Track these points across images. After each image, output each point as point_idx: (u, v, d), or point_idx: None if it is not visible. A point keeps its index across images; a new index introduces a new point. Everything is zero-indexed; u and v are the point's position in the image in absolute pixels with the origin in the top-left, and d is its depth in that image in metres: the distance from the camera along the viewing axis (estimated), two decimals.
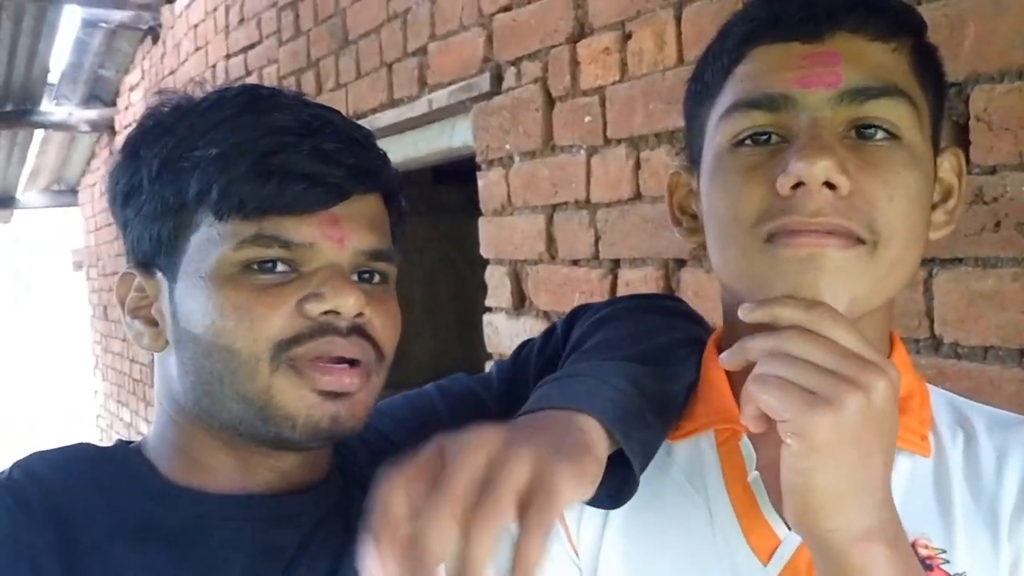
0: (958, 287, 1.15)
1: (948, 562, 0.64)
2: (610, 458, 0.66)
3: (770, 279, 0.63)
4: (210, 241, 0.70)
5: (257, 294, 0.69)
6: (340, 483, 0.81)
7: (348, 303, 0.69)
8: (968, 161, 1.14)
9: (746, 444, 0.69)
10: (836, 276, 0.61)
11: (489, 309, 2.14)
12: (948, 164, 0.71)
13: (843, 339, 0.57)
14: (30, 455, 0.74)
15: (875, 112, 0.63)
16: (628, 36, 1.69)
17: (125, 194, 0.75)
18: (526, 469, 0.53)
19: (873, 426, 0.57)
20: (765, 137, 0.65)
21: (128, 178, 0.74)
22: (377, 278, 0.75)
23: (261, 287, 0.69)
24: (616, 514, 0.70)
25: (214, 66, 3.91)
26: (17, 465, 0.73)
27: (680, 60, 1.58)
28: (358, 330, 0.71)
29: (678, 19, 1.59)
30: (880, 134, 0.63)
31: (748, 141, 0.65)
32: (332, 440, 0.72)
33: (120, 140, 5.47)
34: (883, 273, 0.63)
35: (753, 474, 0.68)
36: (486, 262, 2.16)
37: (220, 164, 0.69)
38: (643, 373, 0.70)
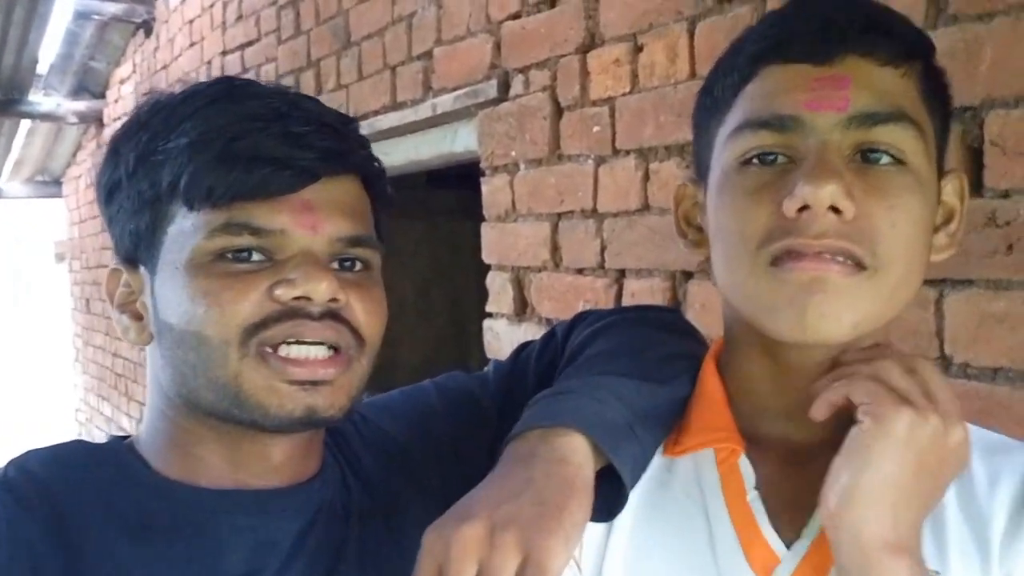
0: (969, 308, 1.17)
1: None
2: (601, 472, 0.68)
3: (774, 301, 0.64)
4: (184, 232, 0.70)
5: (228, 281, 0.68)
6: (338, 475, 0.81)
7: (319, 288, 0.68)
8: (982, 185, 1.16)
9: (744, 462, 0.70)
10: (839, 300, 0.62)
11: (490, 315, 2.14)
12: (951, 187, 0.72)
13: (933, 379, 0.62)
14: (25, 453, 0.74)
15: (882, 137, 0.64)
16: (639, 48, 1.70)
17: (108, 191, 0.76)
18: (513, 559, 0.57)
19: (940, 454, 0.60)
20: (772, 157, 0.65)
21: (109, 175, 0.75)
22: (359, 265, 0.74)
23: (232, 274, 0.69)
24: (619, 528, 0.71)
25: (209, 62, 3.88)
26: (12, 463, 0.73)
27: (692, 74, 1.60)
28: (332, 315, 0.70)
29: (691, 33, 1.60)
30: (886, 159, 0.64)
31: (755, 160, 0.66)
32: (314, 427, 0.72)
33: (108, 133, 5.43)
34: (885, 297, 0.64)
35: (752, 492, 0.69)
36: (480, 267, 2.16)
37: (189, 153, 0.69)
38: (632, 388, 0.71)
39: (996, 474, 0.68)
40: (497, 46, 2.10)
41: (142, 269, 0.74)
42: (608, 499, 0.67)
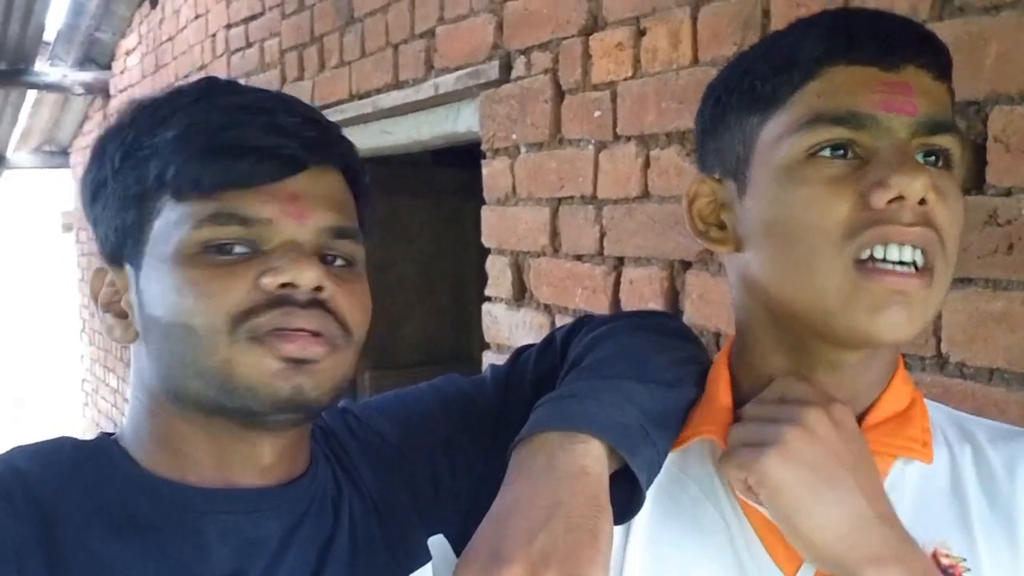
0: (967, 307, 1.15)
1: (969, 570, 0.66)
2: (616, 474, 0.68)
3: (851, 303, 0.65)
4: (171, 224, 0.70)
5: (215, 271, 0.69)
6: (328, 474, 0.80)
7: (305, 275, 0.69)
8: (983, 182, 1.13)
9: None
10: (912, 310, 0.65)
11: (489, 299, 2.13)
12: None
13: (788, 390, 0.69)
14: (11, 450, 0.74)
15: (942, 143, 0.67)
16: (642, 32, 1.68)
17: (92, 191, 0.76)
18: None
19: (825, 454, 0.63)
20: (842, 152, 0.67)
21: (94, 175, 0.75)
22: (340, 261, 0.74)
23: (219, 264, 0.69)
24: (638, 528, 0.72)
25: (214, 35, 3.86)
26: None
27: (695, 60, 1.57)
28: (317, 303, 0.70)
29: (694, 19, 1.57)
30: (940, 163, 0.68)
31: (827, 152, 0.67)
32: (298, 411, 0.71)
33: (115, 104, 5.42)
34: (940, 299, 0.67)
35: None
36: (483, 246, 2.15)
37: (176, 145, 0.70)
38: (642, 391, 0.71)
39: (1012, 460, 0.70)
40: (500, 26, 2.07)
41: (127, 267, 0.74)
42: (623, 501, 0.68)
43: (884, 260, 0.64)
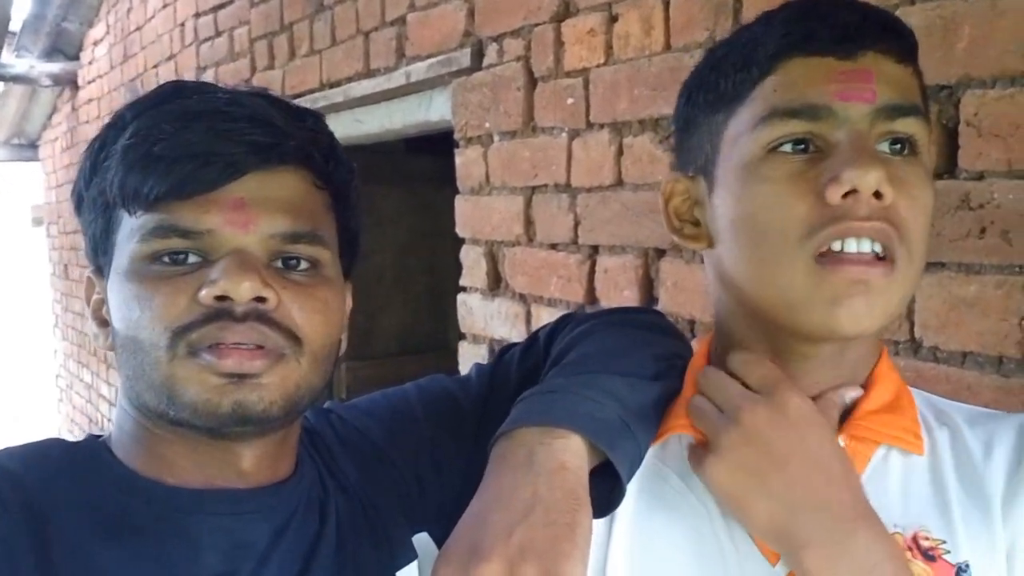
0: (940, 292, 1.15)
1: (949, 552, 0.66)
2: (597, 468, 0.68)
3: (812, 296, 0.66)
4: (124, 237, 0.70)
5: (158, 284, 0.68)
6: (315, 476, 0.80)
7: (240, 287, 0.66)
8: (956, 166, 1.13)
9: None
10: (876, 300, 0.65)
11: (463, 289, 2.12)
12: None
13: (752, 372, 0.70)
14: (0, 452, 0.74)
15: (905, 128, 0.67)
16: (614, 19, 1.66)
17: (76, 203, 0.77)
18: None
19: (757, 452, 0.66)
20: (802, 146, 0.67)
21: (75, 185, 0.76)
22: (303, 264, 0.72)
23: (164, 277, 0.68)
24: (622, 519, 0.72)
25: (183, 24, 3.81)
26: None
27: (667, 46, 1.56)
28: (258, 315, 0.68)
29: (666, 5, 1.56)
30: (906, 150, 0.67)
31: (785, 147, 0.67)
32: (245, 424, 0.69)
33: (83, 95, 5.33)
34: (908, 289, 0.67)
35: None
36: (458, 235, 2.14)
37: (122, 156, 0.69)
38: (623, 384, 0.71)
39: (988, 441, 0.70)
40: (471, 13, 2.05)
41: (104, 276, 0.75)
42: (604, 494, 0.68)
43: (842, 252, 0.64)
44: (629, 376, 0.72)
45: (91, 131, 5.20)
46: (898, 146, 0.67)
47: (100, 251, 0.74)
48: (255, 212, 0.68)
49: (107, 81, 4.93)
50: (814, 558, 0.62)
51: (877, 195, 0.64)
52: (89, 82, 5.24)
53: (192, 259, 0.68)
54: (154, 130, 0.68)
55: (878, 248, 0.64)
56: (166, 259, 0.68)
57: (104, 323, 0.75)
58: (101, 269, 0.75)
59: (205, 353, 0.67)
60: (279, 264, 0.71)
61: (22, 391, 9.40)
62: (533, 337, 0.90)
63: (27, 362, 9.54)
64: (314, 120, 0.76)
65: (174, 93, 0.72)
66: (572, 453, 0.66)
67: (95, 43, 5.10)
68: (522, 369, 0.87)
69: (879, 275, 0.64)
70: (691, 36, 1.51)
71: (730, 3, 1.44)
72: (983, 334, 1.11)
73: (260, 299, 0.68)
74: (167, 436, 0.72)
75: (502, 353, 0.92)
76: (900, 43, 0.69)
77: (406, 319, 3.44)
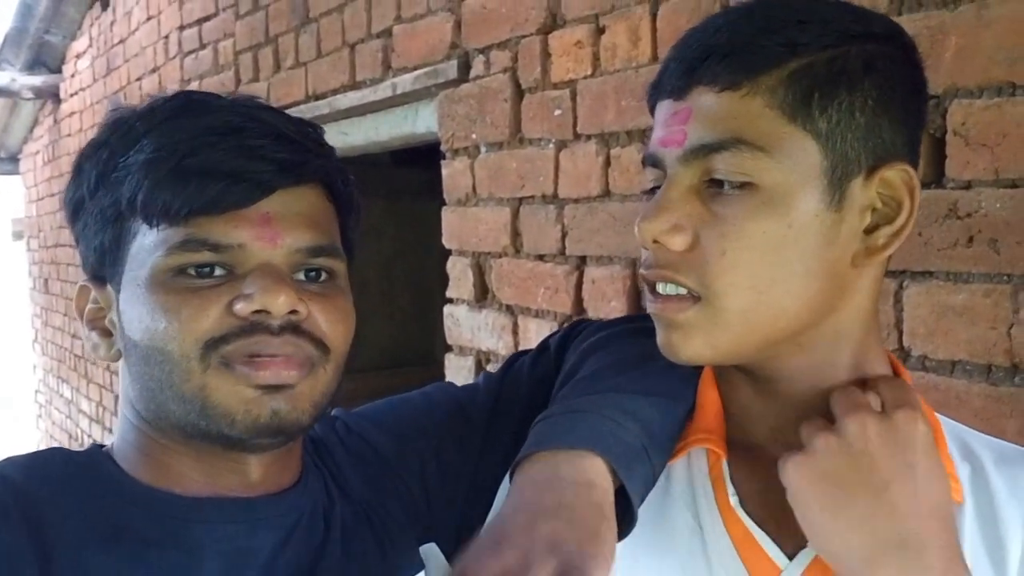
0: (929, 300, 1.15)
1: None
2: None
3: None
4: (144, 248, 0.70)
5: (187, 296, 0.68)
6: (319, 485, 0.80)
7: (278, 302, 0.68)
8: (943, 175, 1.14)
9: (725, 468, 0.69)
10: (682, 332, 0.66)
11: (450, 300, 2.11)
12: (898, 180, 0.66)
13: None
14: (2, 461, 0.74)
15: (718, 165, 0.64)
16: (601, 30, 1.67)
17: (73, 210, 0.76)
18: None
19: (853, 467, 0.61)
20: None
21: (73, 194, 0.75)
22: (323, 275, 0.74)
23: (193, 289, 0.69)
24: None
25: (167, 37, 3.79)
26: None
27: (655, 57, 1.56)
28: (292, 327, 0.70)
29: (654, 16, 1.56)
30: (727, 185, 0.64)
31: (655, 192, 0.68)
32: (278, 434, 0.71)
33: (65, 108, 5.30)
34: (732, 322, 0.65)
35: (733, 499, 0.68)
36: (444, 247, 2.13)
37: (146, 169, 0.69)
38: (645, 405, 0.70)
39: (1014, 485, 0.67)
40: (458, 25, 2.05)
41: (108, 286, 0.74)
42: (617, 519, 0.66)
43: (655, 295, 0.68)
44: (651, 395, 0.71)
45: (73, 144, 5.18)
46: (722, 182, 0.64)
47: (107, 261, 0.73)
48: (281, 227, 0.70)
49: (90, 94, 4.90)
50: None
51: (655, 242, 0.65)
52: (71, 95, 5.21)
53: (218, 272, 0.69)
54: (181, 145, 0.69)
55: (670, 289, 0.66)
56: (192, 271, 0.69)
57: (106, 333, 0.75)
58: (104, 279, 0.74)
59: (240, 365, 0.68)
60: (301, 276, 0.73)
61: (2, 405, 9.29)
62: (543, 345, 0.90)
63: (5, 377, 9.43)
64: (317, 133, 0.78)
65: (187, 106, 0.72)
66: (597, 472, 0.64)
67: (78, 56, 5.08)
68: (532, 378, 0.87)
69: (673, 311, 0.66)
70: None
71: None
72: (972, 342, 1.11)
73: (292, 312, 0.70)
74: (174, 447, 0.73)
75: (512, 362, 0.91)
76: (728, 66, 0.63)
77: (392, 332, 3.43)
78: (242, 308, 0.68)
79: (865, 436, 0.62)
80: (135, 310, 0.70)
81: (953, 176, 1.12)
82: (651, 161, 0.68)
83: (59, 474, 0.73)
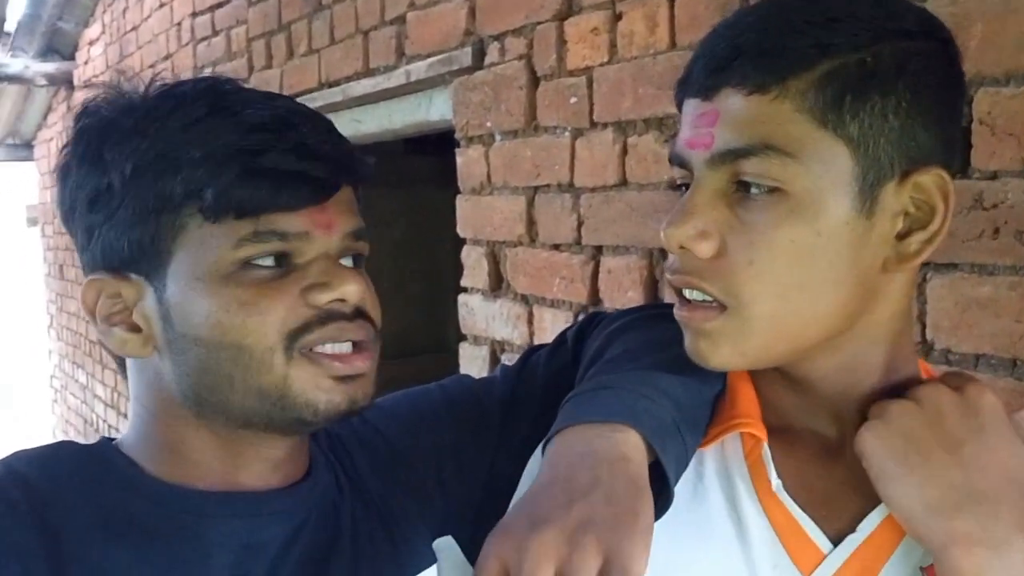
0: (953, 293, 1.13)
1: None
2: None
3: None
4: (202, 242, 0.70)
5: (260, 288, 0.70)
6: (330, 478, 0.80)
7: (353, 290, 0.71)
8: (969, 165, 1.12)
9: (766, 452, 0.68)
10: (709, 340, 0.65)
11: (464, 289, 2.10)
12: (932, 185, 0.64)
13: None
14: (12, 455, 0.74)
15: (747, 169, 0.62)
16: (618, 17, 1.65)
17: (91, 200, 0.73)
18: (595, 563, 0.55)
19: (926, 426, 0.62)
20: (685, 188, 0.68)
21: (95, 183, 0.72)
22: (360, 260, 0.77)
23: (262, 281, 0.70)
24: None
25: (179, 24, 3.79)
26: None
27: (672, 44, 1.54)
28: (361, 313, 0.73)
29: (671, 2, 1.54)
30: (756, 190, 0.63)
31: (683, 188, 0.68)
32: (347, 418, 0.75)
33: (79, 96, 5.30)
34: (760, 331, 0.64)
35: (776, 482, 0.67)
36: (457, 236, 2.12)
37: (208, 167, 0.69)
38: (676, 383, 0.69)
39: None
40: (472, 11, 2.03)
41: (136, 278, 0.72)
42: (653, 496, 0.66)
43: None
44: (679, 373, 0.70)
45: None
46: (751, 186, 0.63)
47: (145, 254, 0.71)
48: (334, 214, 0.73)
49: (103, 81, 4.90)
50: (967, 556, 0.58)
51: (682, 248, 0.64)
52: (85, 82, 5.21)
53: (273, 264, 0.71)
54: (240, 144, 0.69)
55: (697, 296, 0.65)
56: (259, 263, 0.70)
57: (134, 328, 0.73)
58: (129, 271, 0.72)
59: (324, 356, 0.71)
60: (348, 262, 0.75)
61: (17, 392, 9.36)
62: (561, 338, 0.89)
63: (22, 363, 9.50)
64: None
65: (221, 97, 0.72)
66: (632, 446, 0.63)
67: (91, 43, 5.08)
68: (549, 371, 0.86)
69: (700, 319, 0.65)
70: (696, 34, 1.49)
71: (736, 1, 1.42)
72: (997, 336, 1.09)
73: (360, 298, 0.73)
74: (203, 437, 0.73)
75: (528, 355, 0.91)
76: (758, 68, 0.62)
77: (404, 321, 3.42)
78: (320, 297, 0.70)
79: (939, 401, 0.63)
80: (196, 305, 0.70)
81: (979, 166, 1.10)
82: (678, 161, 0.67)
83: (68, 468, 0.73)
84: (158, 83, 0.75)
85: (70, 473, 0.72)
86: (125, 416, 4.95)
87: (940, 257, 1.13)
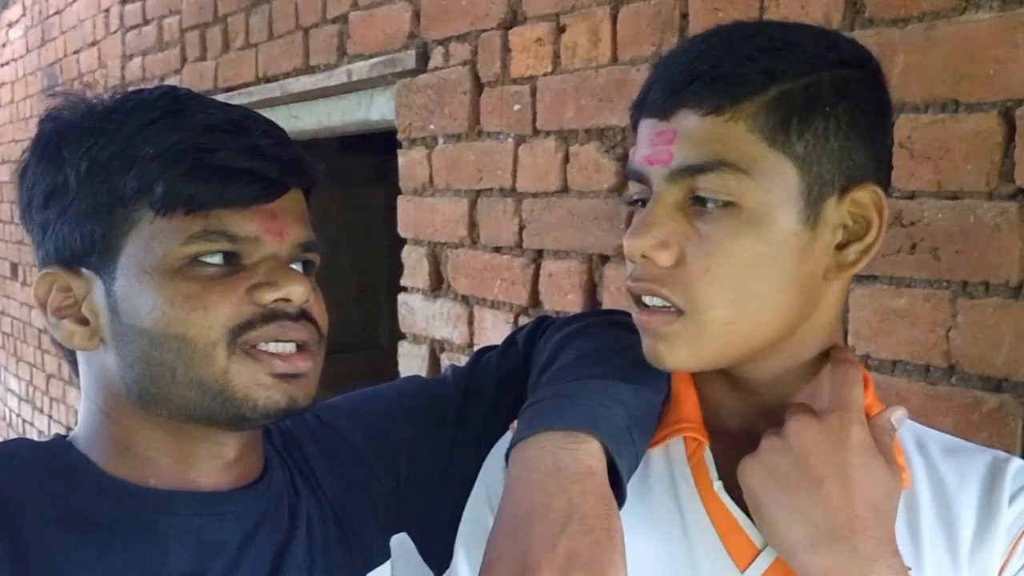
0: (873, 303, 1.22)
1: None
2: None
3: None
4: (152, 237, 0.71)
5: (207, 284, 0.71)
6: (286, 479, 0.82)
7: (298, 291, 0.73)
8: (889, 185, 1.20)
9: (709, 455, 0.73)
10: (667, 343, 0.70)
11: (405, 289, 2.13)
12: (868, 200, 0.70)
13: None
14: None
15: (704, 184, 0.67)
16: (562, 29, 1.70)
17: (47, 196, 0.74)
18: None
19: (793, 464, 0.66)
20: (640, 203, 0.72)
21: (50, 179, 0.74)
22: (310, 268, 0.79)
23: (210, 277, 0.72)
24: None
25: (107, 10, 3.70)
26: None
27: (614, 58, 1.60)
28: (305, 314, 0.75)
29: (614, 18, 1.60)
30: (711, 204, 0.68)
31: (639, 204, 0.72)
32: (290, 416, 0.76)
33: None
34: (715, 334, 0.69)
35: (717, 483, 0.72)
36: (391, 234, 2.15)
37: (160, 163, 0.71)
38: (627, 391, 0.73)
39: (962, 474, 0.72)
40: (416, 15, 2.06)
41: (87, 272, 0.74)
42: None
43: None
44: (631, 383, 0.74)
45: (4, 115, 5.01)
46: (707, 201, 0.68)
47: (96, 249, 0.73)
48: (285, 223, 0.75)
49: (23, 65, 4.75)
50: None
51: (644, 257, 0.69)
52: (2, 65, 5.04)
53: (222, 261, 0.73)
54: (194, 141, 0.72)
55: (656, 302, 0.69)
56: (206, 260, 0.72)
57: (82, 321, 0.75)
58: (80, 266, 0.74)
59: (264, 353, 0.73)
60: (297, 267, 0.77)
61: None
62: (510, 340, 0.92)
63: None
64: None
65: (184, 101, 0.75)
66: (595, 457, 0.67)
67: (10, 25, 4.91)
68: (500, 372, 0.89)
69: (658, 323, 0.69)
70: (637, 50, 1.56)
71: (677, 20, 1.49)
72: (912, 343, 1.18)
73: (305, 300, 0.75)
74: (153, 434, 0.74)
75: (479, 356, 0.94)
76: (713, 91, 0.67)
77: (335, 317, 3.39)
78: (265, 296, 0.72)
79: (802, 437, 0.67)
80: (143, 297, 0.71)
81: (899, 187, 1.19)
82: (635, 176, 0.72)
83: (26, 467, 0.73)
84: (103, 89, 0.77)
85: (28, 471, 0.73)
86: (41, 411, 4.80)
87: (862, 269, 1.21)
